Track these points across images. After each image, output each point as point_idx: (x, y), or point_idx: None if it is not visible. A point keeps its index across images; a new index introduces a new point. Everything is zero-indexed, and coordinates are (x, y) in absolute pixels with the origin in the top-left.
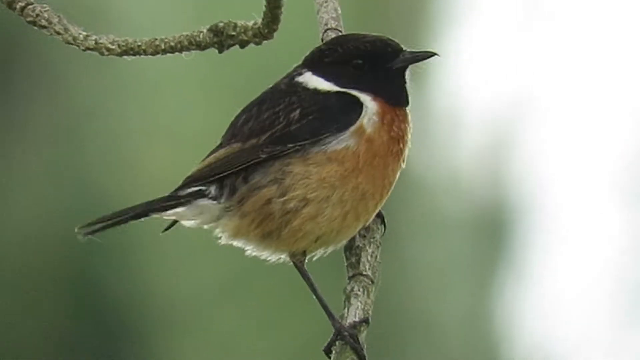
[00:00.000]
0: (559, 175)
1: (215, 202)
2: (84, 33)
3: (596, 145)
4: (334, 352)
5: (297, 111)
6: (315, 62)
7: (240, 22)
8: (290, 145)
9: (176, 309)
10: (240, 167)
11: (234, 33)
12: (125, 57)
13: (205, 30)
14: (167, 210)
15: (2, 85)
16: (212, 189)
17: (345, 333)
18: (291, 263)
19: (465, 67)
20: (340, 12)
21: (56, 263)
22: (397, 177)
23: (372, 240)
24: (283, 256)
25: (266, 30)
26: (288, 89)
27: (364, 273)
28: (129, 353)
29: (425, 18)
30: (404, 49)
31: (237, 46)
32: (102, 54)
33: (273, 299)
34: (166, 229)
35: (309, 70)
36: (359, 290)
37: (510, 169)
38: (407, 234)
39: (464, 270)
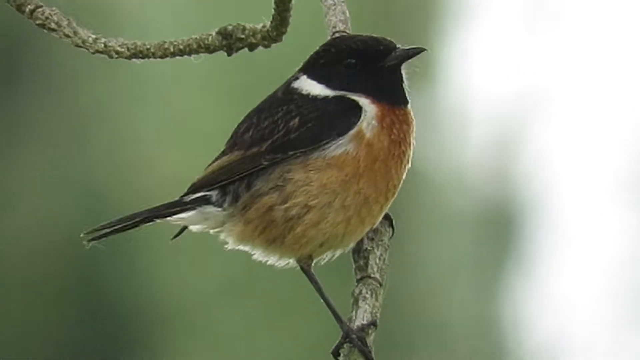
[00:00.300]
0: (566, 173)
1: (219, 208)
2: (93, 36)
3: (603, 143)
4: (342, 355)
5: (296, 119)
6: (311, 64)
7: (249, 25)
8: (291, 152)
9: (182, 312)
10: (243, 175)
11: (242, 36)
12: (134, 60)
13: (214, 33)
14: (172, 216)
15: (10, 87)
16: (216, 196)
17: (354, 336)
18: (298, 267)
19: (473, 65)
20: (348, 15)
21: (62, 266)
22: (404, 178)
23: (380, 242)
24: (291, 261)
25: (275, 33)
26: (285, 97)
27: (372, 276)
28: (134, 356)
29: (433, 19)
30: (397, 46)
31: (246, 49)
32: (111, 57)
33: (279, 301)
34: (176, 236)
35: (304, 73)
36: (367, 293)
37: (517, 167)
38: (414, 233)
39: (471, 269)
